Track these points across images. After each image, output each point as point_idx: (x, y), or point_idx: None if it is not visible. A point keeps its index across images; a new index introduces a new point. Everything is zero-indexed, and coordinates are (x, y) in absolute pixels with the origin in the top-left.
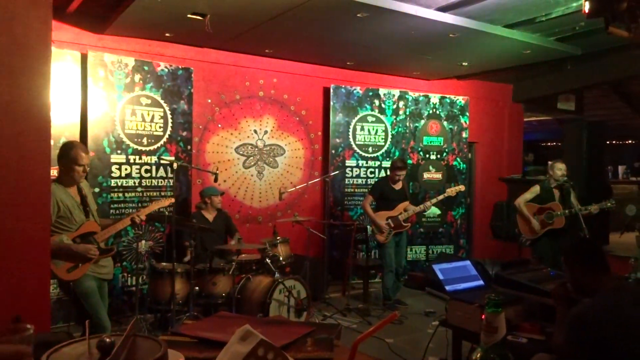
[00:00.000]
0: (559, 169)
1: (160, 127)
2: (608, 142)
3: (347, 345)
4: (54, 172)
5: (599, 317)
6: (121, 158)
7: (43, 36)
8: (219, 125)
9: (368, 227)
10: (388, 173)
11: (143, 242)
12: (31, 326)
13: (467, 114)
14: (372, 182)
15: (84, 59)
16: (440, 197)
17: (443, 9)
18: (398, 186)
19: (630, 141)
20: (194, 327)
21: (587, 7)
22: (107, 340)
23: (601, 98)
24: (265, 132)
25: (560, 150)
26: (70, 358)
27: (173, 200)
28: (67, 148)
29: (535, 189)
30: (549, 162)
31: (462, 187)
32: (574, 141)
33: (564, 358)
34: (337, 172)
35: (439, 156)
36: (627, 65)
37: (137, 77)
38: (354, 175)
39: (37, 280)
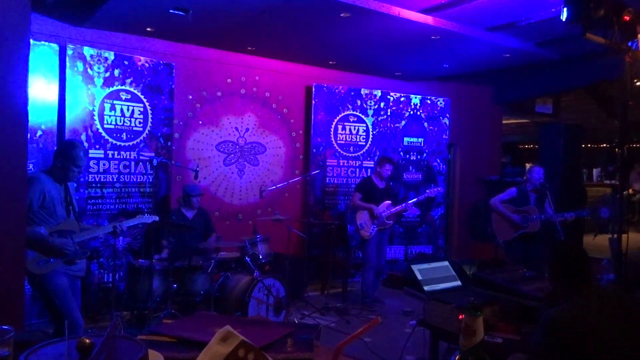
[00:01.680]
0: (537, 172)
1: (140, 123)
2: (583, 146)
3: (326, 345)
4: (30, 167)
5: (568, 322)
6: (99, 153)
7: (20, 28)
8: (200, 122)
9: (349, 225)
10: (375, 170)
11: (120, 238)
12: (11, 328)
13: (448, 115)
14: (353, 182)
15: (62, 51)
16: (422, 197)
17: (426, 11)
18: (382, 185)
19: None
20: (174, 327)
21: (565, 14)
22: (87, 341)
23: (578, 102)
24: (247, 129)
25: (537, 152)
26: (49, 359)
27: (157, 218)
28: (68, 147)
29: (511, 191)
30: (527, 165)
31: (439, 189)
32: (550, 144)
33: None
34: (318, 171)
35: (419, 157)
36: (603, 70)
37: (117, 71)
38: (334, 175)
39: (11, 276)
